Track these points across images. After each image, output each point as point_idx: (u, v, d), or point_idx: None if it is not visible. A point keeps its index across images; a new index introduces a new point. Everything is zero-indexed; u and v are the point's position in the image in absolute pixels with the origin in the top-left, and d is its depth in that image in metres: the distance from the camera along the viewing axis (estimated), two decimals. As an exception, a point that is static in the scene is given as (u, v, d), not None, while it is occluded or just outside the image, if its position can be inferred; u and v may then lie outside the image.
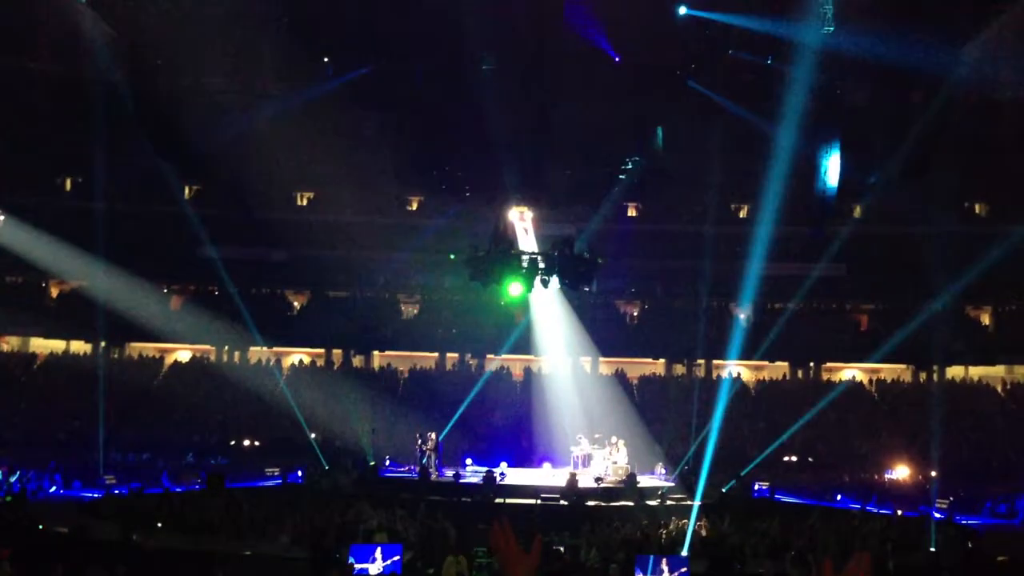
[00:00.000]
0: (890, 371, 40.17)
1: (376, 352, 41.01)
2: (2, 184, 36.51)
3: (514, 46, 34.59)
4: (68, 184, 43.48)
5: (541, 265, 26.80)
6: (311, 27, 34.44)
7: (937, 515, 23.19)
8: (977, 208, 43.01)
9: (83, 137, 35.43)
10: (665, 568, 13.49)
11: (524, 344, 37.25)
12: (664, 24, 34.27)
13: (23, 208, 36.61)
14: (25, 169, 38.35)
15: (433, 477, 25.26)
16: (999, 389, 38.88)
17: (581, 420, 30.53)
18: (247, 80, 37.36)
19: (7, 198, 36.79)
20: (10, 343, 40.34)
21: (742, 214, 43.79)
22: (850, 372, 41.05)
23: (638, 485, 24.65)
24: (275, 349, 39.83)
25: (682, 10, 33.89)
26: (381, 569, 13.46)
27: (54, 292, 41.80)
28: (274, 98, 37.30)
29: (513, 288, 27.97)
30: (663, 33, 34.63)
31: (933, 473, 31.03)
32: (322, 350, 40.89)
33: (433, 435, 26.63)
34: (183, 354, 40.28)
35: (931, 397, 34.75)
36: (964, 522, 22.56)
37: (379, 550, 13.80)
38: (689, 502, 23.97)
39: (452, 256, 32.55)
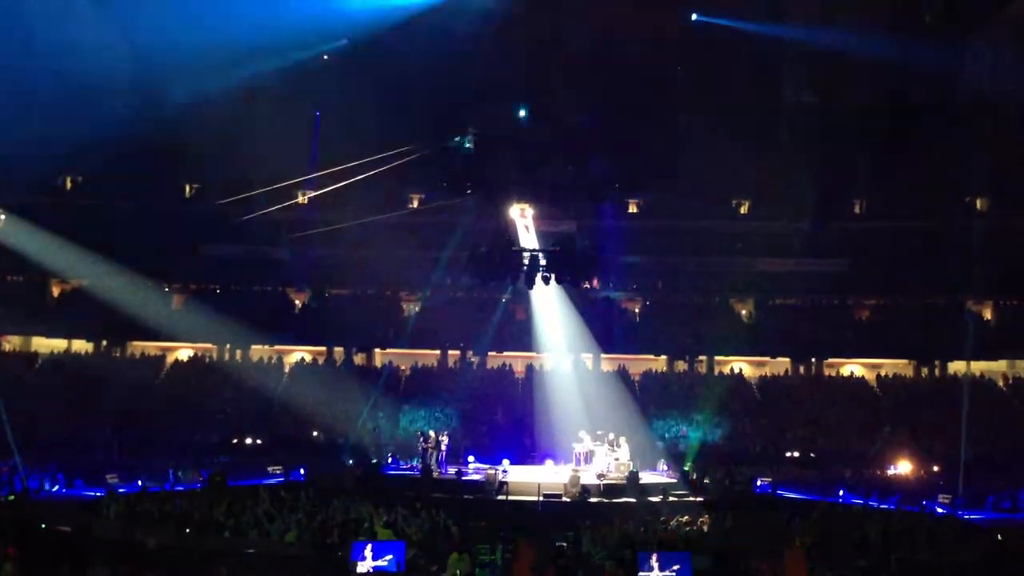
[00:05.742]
0: (892, 366, 40.11)
1: (377, 350, 40.99)
2: (3, 183, 36.41)
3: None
4: (68, 183, 43.46)
5: (542, 262, 26.78)
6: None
7: (940, 510, 23.16)
8: (978, 203, 42.87)
9: (86, 136, 35.31)
10: (667, 564, 13.42)
11: (526, 341, 37.21)
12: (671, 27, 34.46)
13: (24, 207, 36.58)
14: (25, 168, 38.25)
15: (435, 475, 25.27)
16: (1001, 384, 38.81)
17: (583, 417, 30.50)
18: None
19: (8, 197, 36.72)
20: (11, 342, 40.32)
21: (743, 210, 43.74)
22: (852, 367, 41.01)
23: (640, 481, 24.68)
24: (277, 347, 39.83)
25: (693, 16, 34.14)
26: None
27: (55, 291, 41.77)
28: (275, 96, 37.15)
29: None
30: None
31: (935, 468, 31.07)
32: (323, 348, 40.87)
33: (433, 433, 26.69)
34: (184, 353, 40.26)
35: (933, 392, 34.75)
36: (966, 517, 22.53)
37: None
38: (691, 498, 23.99)
39: None
